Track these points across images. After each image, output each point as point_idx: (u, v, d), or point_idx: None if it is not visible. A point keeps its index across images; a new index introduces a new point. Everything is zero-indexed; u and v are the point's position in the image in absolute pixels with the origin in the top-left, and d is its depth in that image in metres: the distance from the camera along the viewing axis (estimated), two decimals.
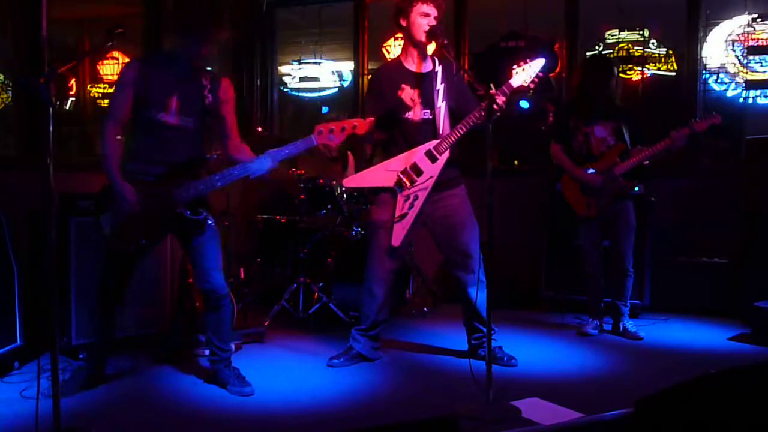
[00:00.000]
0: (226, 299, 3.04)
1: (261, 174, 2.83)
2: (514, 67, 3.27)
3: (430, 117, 3.35)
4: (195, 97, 2.86)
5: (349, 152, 5.21)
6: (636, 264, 4.14)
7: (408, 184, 3.32)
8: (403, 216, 3.33)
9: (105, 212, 2.83)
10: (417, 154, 3.32)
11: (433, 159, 3.32)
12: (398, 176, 3.33)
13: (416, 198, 3.33)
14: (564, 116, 4.15)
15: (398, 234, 3.33)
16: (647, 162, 3.94)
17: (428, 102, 3.35)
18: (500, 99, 3.09)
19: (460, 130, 3.26)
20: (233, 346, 3.37)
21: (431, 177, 3.32)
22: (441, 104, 3.34)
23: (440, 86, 3.35)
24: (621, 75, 5.49)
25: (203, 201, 2.90)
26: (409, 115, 3.35)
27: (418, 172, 3.31)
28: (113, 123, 2.81)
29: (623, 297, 4.08)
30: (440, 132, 3.33)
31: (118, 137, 2.82)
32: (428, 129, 3.35)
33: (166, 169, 2.82)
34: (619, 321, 4.11)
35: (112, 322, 3.11)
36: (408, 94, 3.35)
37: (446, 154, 3.32)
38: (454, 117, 3.38)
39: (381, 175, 3.39)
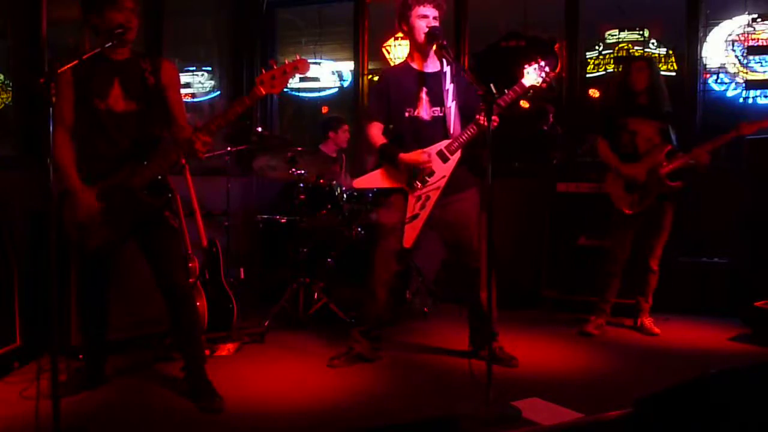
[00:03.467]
0: (189, 296, 2.96)
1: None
2: (526, 66, 3.27)
3: (441, 115, 3.34)
4: (137, 79, 2.82)
5: (343, 154, 5.22)
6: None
7: (419, 184, 3.32)
8: (414, 217, 3.32)
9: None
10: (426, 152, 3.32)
11: (444, 159, 3.31)
12: (409, 177, 3.32)
13: (428, 198, 3.32)
14: (611, 114, 4.14)
15: (410, 235, 3.32)
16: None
17: (438, 100, 3.34)
18: (508, 98, 3.12)
19: (471, 131, 3.26)
20: (206, 351, 3.27)
21: (443, 177, 3.31)
22: (451, 104, 3.33)
23: (449, 86, 3.34)
24: None
25: (164, 188, 2.86)
26: (419, 113, 3.34)
27: (430, 172, 3.31)
28: (61, 129, 2.77)
29: (646, 294, 4.10)
30: (451, 131, 3.32)
31: (69, 142, 2.79)
32: (439, 128, 3.34)
33: (120, 160, 2.77)
34: (639, 316, 4.12)
35: (102, 325, 3.09)
36: (417, 92, 3.34)
37: (458, 154, 3.31)
38: (464, 117, 3.37)
39: (391, 175, 3.38)
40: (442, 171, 3.32)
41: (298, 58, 2.76)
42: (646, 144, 4.00)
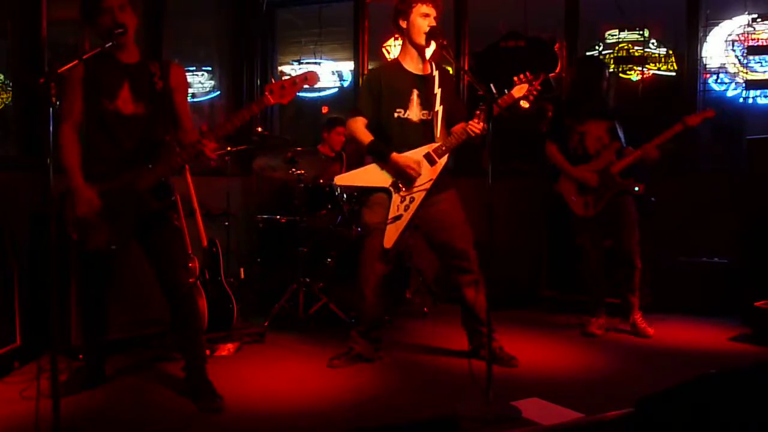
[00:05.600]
0: (191, 296, 2.97)
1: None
2: (515, 79, 3.27)
3: (429, 118, 3.34)
4: (145, 83, 2.83)
5: (343, 153, 5.23)
6: None
7: (405, 186, 3.31)
8: (397, 217, 3.30)
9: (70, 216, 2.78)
10: (416, 157, 3.31)
11: (432, 162, 3.31)
12: (395, 177, 3.31)
13: (412, 200, 3.31)
14: (560, 116, 4.16)
15: (391, 235, 3.30)
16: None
17: (427, 104, 3.34)
18: (497, 110, 3.11)
19: (460, 136, 3.25)
20: (206, 351, 3.23)
21: (430, 180, 3.30)
22: (439, 108, 3.34)
23: (438, 90, 3.35)
24: (621, 75, 5.51)
25: (169, 190, 2.87)
26: (409, 115, 3.34)
27: (417, 176, 3.30)
28: (69, 124, 2.77)
29: (633, 290, 4.07)
30: (437, 135, 3.32)
31: (76, 139, 2.78)
32: (426, 130, 3.34)
33: (124, 162, 2.77)
34: (629, 315, 4.11)
35: (102, 324, 3.09)
36: (409, 94, 3.34)
37: (445, 158, 3.31)
38: (447, 124, 3.37)
39: (376, 174, 3.35)
40: (429, 174, 3.31)
41: (308, 70, 2.78)
42: (596, 144, 4.01)
